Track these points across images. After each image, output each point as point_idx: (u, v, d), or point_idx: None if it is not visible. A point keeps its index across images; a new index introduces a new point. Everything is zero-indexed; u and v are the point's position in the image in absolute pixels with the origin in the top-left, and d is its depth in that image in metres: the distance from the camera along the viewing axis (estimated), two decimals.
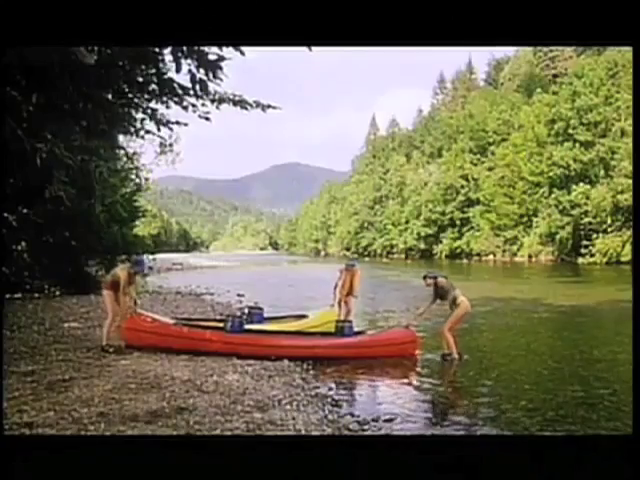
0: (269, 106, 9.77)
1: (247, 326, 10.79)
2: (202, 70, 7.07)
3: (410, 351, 10.49)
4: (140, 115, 10.00)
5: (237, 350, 9.89)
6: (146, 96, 8.91)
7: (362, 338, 10.71)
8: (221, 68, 7.12)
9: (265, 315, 12.11)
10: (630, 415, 6.79)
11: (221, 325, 10.67)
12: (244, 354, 9.78)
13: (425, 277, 10.80)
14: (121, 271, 10.34)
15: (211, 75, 7.11)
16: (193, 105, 9.12)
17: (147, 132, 11.34)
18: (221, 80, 7.28)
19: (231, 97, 9.46)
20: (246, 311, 12.04)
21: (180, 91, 8.15)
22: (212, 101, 9.27)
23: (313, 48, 5.67)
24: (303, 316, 12.08)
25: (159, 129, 10.19)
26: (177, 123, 10.32)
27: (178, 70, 6.98)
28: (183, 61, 6.89)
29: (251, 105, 9.61)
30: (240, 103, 9.55)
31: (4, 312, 12.23)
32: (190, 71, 7.06)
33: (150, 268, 24.88)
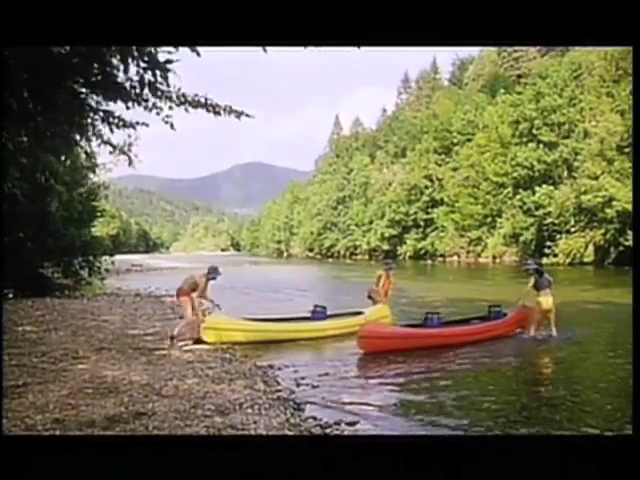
0: (242, 113, 9.48)
1: (312, 322, 12.75)
2: (150, 72, 6.81)
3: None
4: (94, 115, 9.61)
5: (451, 341, 11.56)
6: (98, 91, 8.54)
7: (508, 318, 12.97)
8: (169, 70, 6.87)
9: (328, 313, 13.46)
10: (592, 415, 6.92)
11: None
12: (455, 344, 11.39)
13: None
14: (199, 278, 11.66)
15: (160, 77, 6.86)
16: (156, 107, 8.82)
17: (111, 129, 10.91)
18: (168, 85, 7.07)
19: (203, 101, 9.13)
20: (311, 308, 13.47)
21: (129, 90, 7.84)
22: (180, 104, 8.96)
23: (279, 48, 5.53)
24: (359, 313, 13.52)
25: (112, 131, 9.81)
26: (132, 126, 9.90)
27: (126, 71, 6.77)
28: (130, 62, 6.64)
29: (224, 110, 9.30)
30: (214, 108, 9.24)
31: None
32: (138, 72, 6.81)
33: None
